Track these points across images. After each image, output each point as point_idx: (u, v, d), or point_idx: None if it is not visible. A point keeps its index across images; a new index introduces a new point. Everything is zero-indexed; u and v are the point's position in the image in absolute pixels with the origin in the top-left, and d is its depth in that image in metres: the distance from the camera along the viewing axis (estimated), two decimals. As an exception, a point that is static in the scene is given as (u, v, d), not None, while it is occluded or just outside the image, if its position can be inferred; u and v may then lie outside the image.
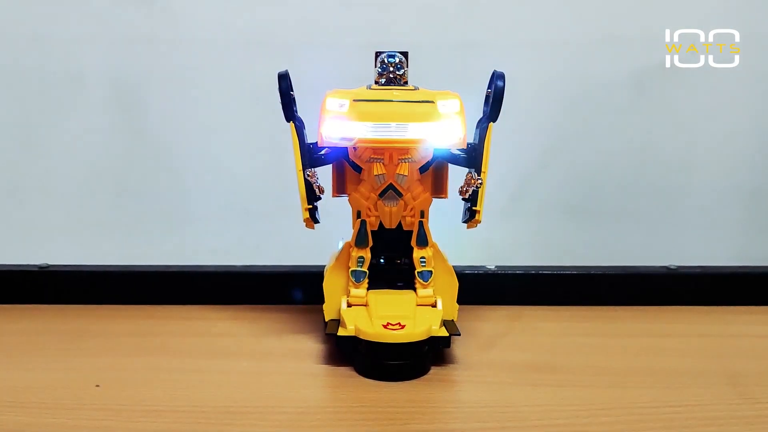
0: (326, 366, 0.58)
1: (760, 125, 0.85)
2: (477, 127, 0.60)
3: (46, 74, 0.82)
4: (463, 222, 0.61)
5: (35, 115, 0.83)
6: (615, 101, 0.84)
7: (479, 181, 0.58)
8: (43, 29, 0.81)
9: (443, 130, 0.56)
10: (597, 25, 0.82)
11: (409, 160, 0.59)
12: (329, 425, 0.50)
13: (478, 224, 0.60)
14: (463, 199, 0.60)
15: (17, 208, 0.84)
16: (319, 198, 0.60)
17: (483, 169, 0.58)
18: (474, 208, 0.59)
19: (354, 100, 0.56)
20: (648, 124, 0.85)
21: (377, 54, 0.60)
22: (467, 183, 0.58)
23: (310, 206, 0.59)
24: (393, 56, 0.59)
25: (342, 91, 0.58)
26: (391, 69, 0.59)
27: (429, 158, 0.60)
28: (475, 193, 0.59)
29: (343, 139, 0.56)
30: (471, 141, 0.59)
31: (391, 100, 0.56)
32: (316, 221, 0.60)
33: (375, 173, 0.59)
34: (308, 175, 0.58)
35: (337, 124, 0.56)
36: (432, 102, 0.56)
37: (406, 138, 0.56)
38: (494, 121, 0.59)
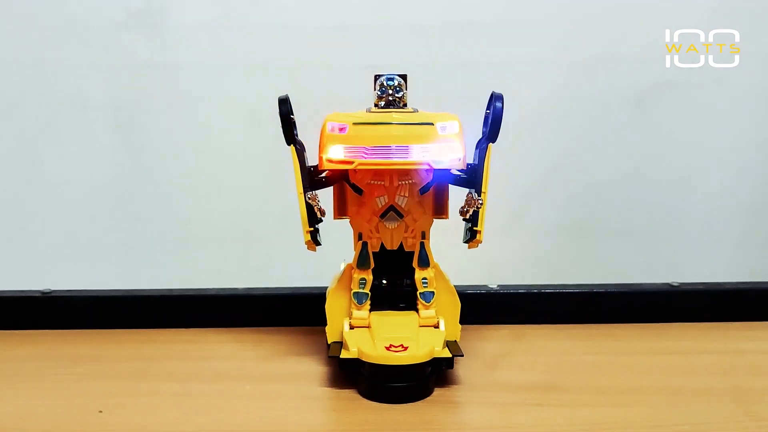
0: (329, 389, 0.58)
1: (760, 139, 0.85)
2: (477, 148, 0.60)
3: (48, 99, 0.82)
4: (464, 242, 0.61)
5: (37, 140, 0.83)
6: (614, 118, 0.84)
7: (480, 202, 0.58)
8: (44, 54, 0.81)
9: (443, 151, 0.56)
10: (595, 41, 0.83)
11: (410, 181, 0.59)
12: (333, 449, 0.49)
13: (480, 244, 0.60)
14: (463, 219, 0.60)
15: (19, 234, 0.84)
16: (321, 220, 0.60)
17: (483, 190, 0.58)
18: (475, 228, 0.59)
19: (354, 123, 0.56)
20: (648, 140, 0.85)
21: (376, 77, 0.60)
22: (468, 204, 0.58)
23: (312, 229, 0.59)
24: (392, 79, 0.59)
25: (341, 114, 0.58)
26: (390, 92, 0.59)
27: (429, 179, 0.60)
28: (475, 214, 0.59)
29: (343, 162, 0.56)
30: (471, 161, 0.60)
31: (391, 123, 0.57)
32: (318, 243, 0.60)
33: (376, 195, 0.59)
34: (309, 198, 0.58)
35: (337, 148, 0.56)
36: (431, 124, 0.56)
37: (407, 160, 0.56)
38: (493, 141, 0.59)
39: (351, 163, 0.56)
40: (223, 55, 0.82)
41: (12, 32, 0.81)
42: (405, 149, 0.56)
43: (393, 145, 0.56)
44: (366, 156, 0.56)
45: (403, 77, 0.60)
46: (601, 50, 0.83)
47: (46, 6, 0.81)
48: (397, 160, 0.56)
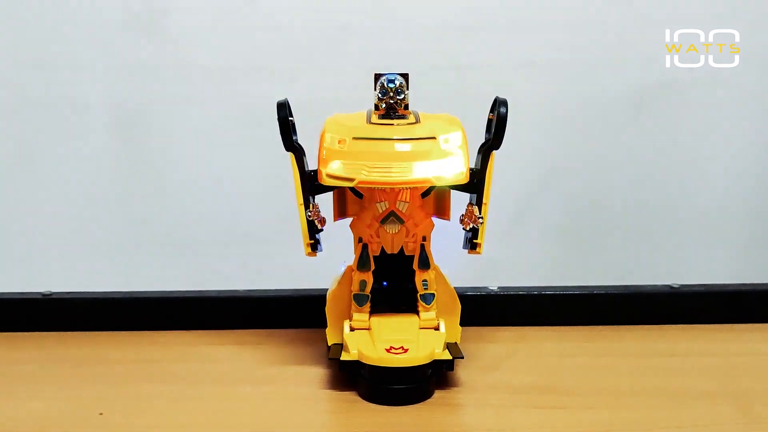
0: (329, 391, 0.58)
1: (760, 139, 0.85)
2: (479, 152, 0.59)
3: (48, 101, 0.82)
4: (464, 249, 0.60)
5: (37, 142, 0.83)
6: (614, 119, 0.84)
7: (480, 220, 0.58)
8: (44, 55, 0.81)
9: (445, 167, 0.55)
10: (595, 41, 0.83)
11: (411, 186, 0.58)
12: (333, 452, 0.49)
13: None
14: (464, 229, 0.59)
15: (20, 235, 0.84)
16: (321, 230, 0.59)
17: (484, 201, 0.58)
18: (475, 241, 0.58)
19: (354, 138, 0.55)
20: (648, 140, 0.85)
21: (377, 76, 0.59)
22: (468, 217, 0.58)
23: (312, 241, 0.58)
24: (393, 81, 0.58)
25: (341, 123, 0.57)
26: (391, 94, 0.58)
27: (431, 184, 0.60)
28: (476, 228, 0.58)
29: (343, 179, 0.55)
30: (473, 166, 0.58)
31: (392, 139, 0.55)
32: (318, 250, 0.60)
33: (376, 201, 0.59)
34: (309, 215, 0.57)
35: (337, 164, 0.55)
36: (434, 138, 0.55)
37: (408, 179, 0.54)
38: (497, 148, 0.58)
39: (351, 180, 0.55)
40: (223, 57, 0.82)
41: (12, 33, 0.81)
42: (407, 167, 0.54)
43: (394, 163, 0.54)
44: (366, 174, 0.54)
45: (405, 77, 0.59)
46: (601, 51, 0.83)
47: (46, 7, 0.81)
48: (398, 180, 0.54)
